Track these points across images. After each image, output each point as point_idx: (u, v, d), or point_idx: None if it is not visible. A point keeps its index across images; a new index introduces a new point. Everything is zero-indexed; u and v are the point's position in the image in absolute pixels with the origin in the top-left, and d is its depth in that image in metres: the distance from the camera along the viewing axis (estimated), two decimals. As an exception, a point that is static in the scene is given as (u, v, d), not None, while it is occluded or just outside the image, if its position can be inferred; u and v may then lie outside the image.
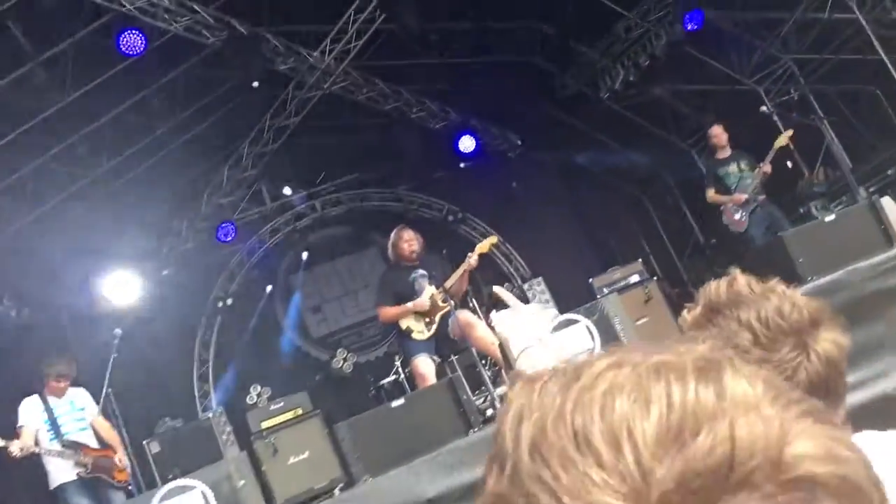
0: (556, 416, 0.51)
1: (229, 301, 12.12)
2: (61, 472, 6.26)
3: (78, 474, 6.26)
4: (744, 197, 8.27)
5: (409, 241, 6.72)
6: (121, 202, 10.36)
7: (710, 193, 8.64)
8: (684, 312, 1.49)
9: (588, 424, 0.49)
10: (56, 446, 6.23)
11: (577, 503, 0.47)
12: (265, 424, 7.93)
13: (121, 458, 6.54)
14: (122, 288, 10.15)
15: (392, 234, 6.89)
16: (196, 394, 11.79)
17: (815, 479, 0.47)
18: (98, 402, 6.53)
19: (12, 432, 6.12)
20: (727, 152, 8.56)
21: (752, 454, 0.47)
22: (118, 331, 6.68)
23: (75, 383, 6.59)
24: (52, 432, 6.25)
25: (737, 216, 8.39)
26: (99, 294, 9.99)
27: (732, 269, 1.45)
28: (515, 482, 0.51)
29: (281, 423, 7.38)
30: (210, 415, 8.41)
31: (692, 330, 1.45)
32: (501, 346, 5.45)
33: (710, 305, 1.43)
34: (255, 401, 10.30)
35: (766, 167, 8.20)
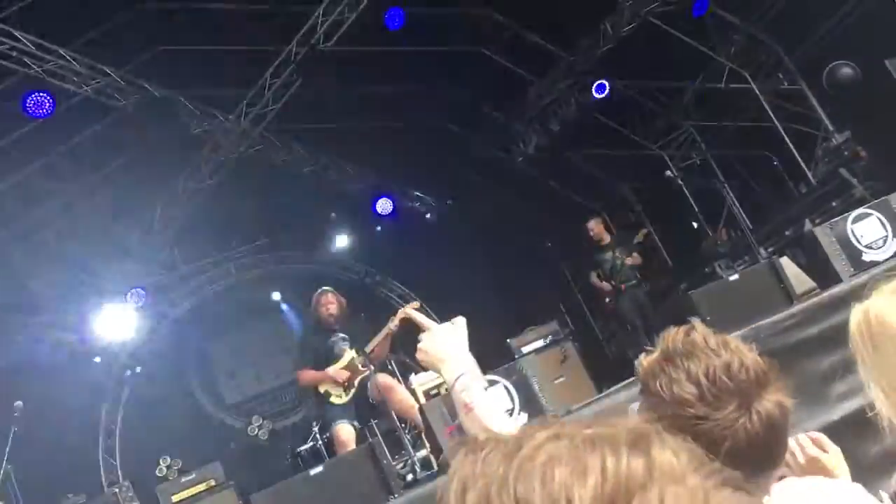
0: (500, 485, 0.54)
1: (138, 368, 11.69)
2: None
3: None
4: (608, 287, 9.41)
5: (326, 305, 6.68)
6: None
7: (592, 278, 9.74)
8: (641, 356, 1.47)
9: (529, 492, 0.53)
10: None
11: None
12: (176, 498, 7.62)
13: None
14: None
15: (312, 297, 6.85)
16: (101, 467, 11.23)
17: None
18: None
19: None
20: (606, 240, 9.60)
21: None
22: (19, 403, 6.34)
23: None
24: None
25: (607, 300, 9.62)
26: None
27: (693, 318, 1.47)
28: None
29: (192, 496, 7.11)
30: (116, 490, 8.00)
31: (646, 376, 1.43)
32: (421, 409, 5.42)
33: (665, 353, 1.41)
34: (164, 473, 9.89)
35: (630, 259, 9.32)
